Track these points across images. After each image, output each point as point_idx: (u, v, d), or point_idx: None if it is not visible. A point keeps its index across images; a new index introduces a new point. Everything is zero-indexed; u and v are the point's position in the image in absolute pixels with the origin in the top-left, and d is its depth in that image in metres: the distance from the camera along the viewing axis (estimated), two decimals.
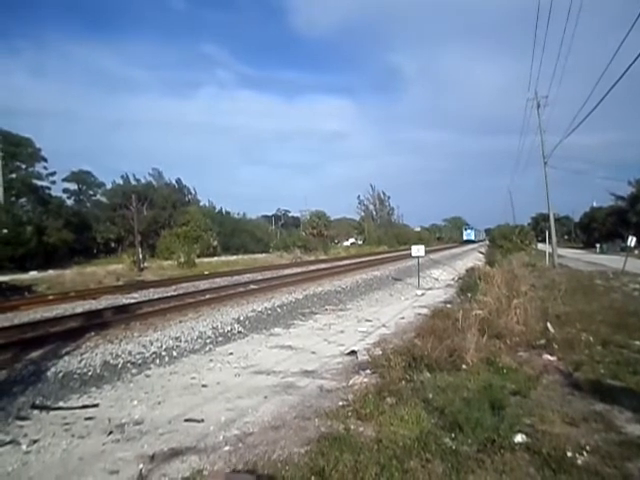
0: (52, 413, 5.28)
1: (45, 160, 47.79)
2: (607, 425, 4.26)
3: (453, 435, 3.98)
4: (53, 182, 49.61)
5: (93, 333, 8.68)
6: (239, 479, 3.49)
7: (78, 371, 6.55)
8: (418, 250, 18.24)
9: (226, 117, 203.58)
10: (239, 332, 9.53)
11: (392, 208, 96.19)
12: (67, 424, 4.92)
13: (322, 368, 6.85)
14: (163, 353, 7.72)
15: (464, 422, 4.08)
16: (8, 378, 6.16)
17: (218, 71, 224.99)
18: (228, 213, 64.60)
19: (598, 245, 52.91)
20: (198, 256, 34.48)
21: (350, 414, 4.64)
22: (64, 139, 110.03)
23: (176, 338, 8.48)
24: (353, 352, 7.60)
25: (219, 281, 19.48)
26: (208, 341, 8.69)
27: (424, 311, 11.49)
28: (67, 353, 7.37)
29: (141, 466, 3.86)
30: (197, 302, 12.48)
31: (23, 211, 40.55)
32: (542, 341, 7.32)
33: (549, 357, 6.60)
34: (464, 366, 5.96)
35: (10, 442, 4.45)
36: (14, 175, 43.48)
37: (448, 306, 11.39)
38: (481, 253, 42.71)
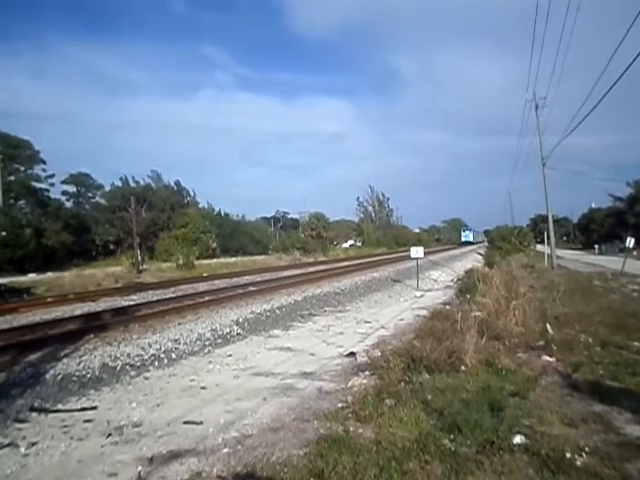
0: (51, 416, 5.27)
1: (44, 162, 47.80)
2: (606, 426, 4.26)
3: (452, 436, 3.98)
4: (52, 184, 49.61)
5: (92, 335, 8.67)
6: None
7: (77, 373, 6.53)
8: (417, 251, 18.27)
9: (225, 119, 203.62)
10: (238, 334, 9.52)
11: (391, 209, 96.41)
12: (66, 426, 4.91)
13: (321, 370, 6.85)
14: (162, 355, 7.71)
15: (463, 423, 4.08)
16: (7, 381, 6.15)
17: (217, 73, 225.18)
18: (227, 215, 64.58)
19: (597, 246, 53.03)
20: (197, 258, 34.46)
21: (349, 416, 4.63)
22: (63, 141, 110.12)
23: (175, 340, 8.47)
24: (352, 354, 7.60)
25: (218, 283, 19.48)
26: (207, 343, 8.68)
27: (423, 312, 11.50)
28: (66, 355, 7.36)
29: (140, 468, 3.86)
30: (196, 304, 12.47)
31: (22, 213, 40.50)
32: (541, 342, 7.33)
33: (548, 358, 6.60)
34: (463, 367, 5.96)
35: (9, 445, 4.43)
36: (13, 177, 43.48)
37: (447, 307, 11.42)
38: (480, 254, 42.75)
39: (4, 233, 29.94)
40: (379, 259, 35.08)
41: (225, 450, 4.12)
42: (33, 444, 4.43)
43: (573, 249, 63.57)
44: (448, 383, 5.37)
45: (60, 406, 5.60)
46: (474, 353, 6.18)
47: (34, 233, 33.83)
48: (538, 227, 65.91)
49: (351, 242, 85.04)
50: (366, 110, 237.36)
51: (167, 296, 14.76)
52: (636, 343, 7.22)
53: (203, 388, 6.18)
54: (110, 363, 7.05)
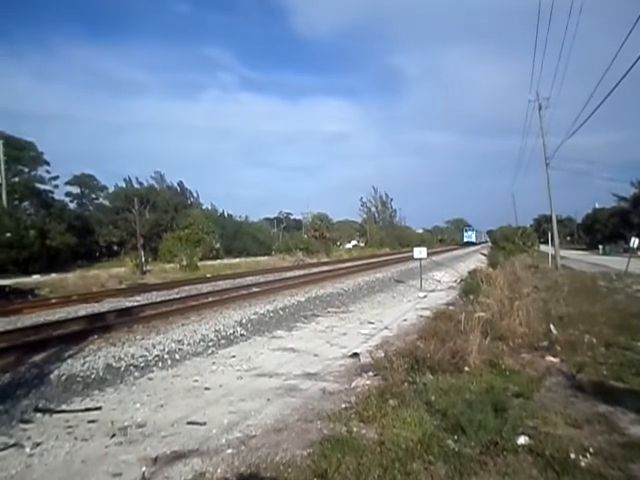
0: (55, 416, 5.29)
1: (48, 164, 48.13)
2: (610, 427, 4.24)
3: (456, 437, 3.98)
4: (56, 186, 50.03)
5: (96, 336, 8.71)
6: None
7: (81, 374, 6.56)
8: (420, 252, 18.24)
9: (228, 119, 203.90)
10: (241, 335, 9.54)
11: (394, 210, 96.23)
12: (70, 427, 4.93)
13: (324, 370, 6.85)
14: (166, 356, 7.73)
15: (467, 424, 4.07)
16: (12, 381, 6.19)
17: (220, 74, 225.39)
18: (230, 216, 64.66)
19: (601, 246, 52.80)
20: (200, 259, 34.48)
21: (353, 416, 4.63)
22: (67, 143, 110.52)
23: (179, 341, 8.49)
24: (355, 354, 7.59)
25: (221, 284, 19.51)
26: (211, 344, 8.70)
27: (426, 313, 11.47)
28: (70, 356, 7.39)
29: (144, 469, 3.87)
30: (199, 305, 12.50)
31: (26, 215, 40.73)
32: (545, 343, 7.31)
33: (552, 359, 6.58)
34: (467, 368, 5.95)
35: (14, 445, 4.46)
36: (17, 179, 43.75)
37: (450, 308, 11.40)
38: (483, 255, 42.66)
39: (9, 234, 30.08)
40: (382, 260, 35.06)
41: (229, 451, 4.12)
42: (38, 444, 4.46)
43: (577, 249, 63.33)
44: (452, 384, 5.36)
45: (64, 407, 5.62)
46: (478, 354, 6.17)
47: (38, 234, 33.94)
48: (542, 227, 65.72)
49: (354, 243, 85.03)
50: (369, 110, 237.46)
51: (171, 297, 14.80)
52: None
53: (207, 389, 6.19)
54: (114, 364, 7.08)
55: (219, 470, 3.74)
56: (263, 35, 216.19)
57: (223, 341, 8.99)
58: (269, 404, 5.44)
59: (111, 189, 57.08)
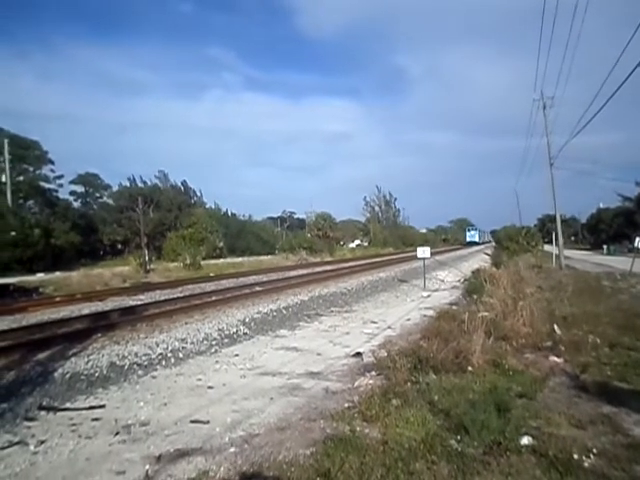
0: (59, 414, 5.32)
1: (52, 163, 48.23)
2: (614, 428, 4.23)
3: (459, 437, 3.97)
4: (60, 185, 50.15)
5: (100, 334, 8.74)
6: None
7: (85, 372, 6.59)
8: (424, 252, 18.20)
9: (231, 119, 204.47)
10: (245, 334, 9.55)
11: (398, 209, 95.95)
12: (74, 425, 4.95)
13: (328, 370, 6.85)
14: (169, 354, 7.75)
15: (470, 424, 4.06)
16: (16, 379, 6.22)
17: (224, 73, 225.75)
18: (234, 215, 64.73)
19: (605, 246, 52.54)
20: (204, 258, 34.55)
21: (356, 416, 4.64)
22: (71, 142, 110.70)
23: (182, 339, 8.51)
24: (358, 354, 7.60)
25: (225, 283, 19.54)
26: (214, 343, 8.72)
27: (430, 313, 11.46)
28: (74, 354, 7.42)
29: (147, 467, 3.88)
30: (203, 304, 12.52)
31: (31, 213, 40.87)
32: (548, 343, 7.29)
33: (555, 359, 6.56)
34: (470, 368, 5.94)
35: (18, 443, 4.48)
36: (22, 178, 43.84)
37: (454, 308, 11.38)
38: (487, 255, 42.54)
39: (13, 233, 30.20)
40: (386, 259, 35.02)
41: (232, 449, 4.13)
42: (42, 442, 4.48)
43: (581, 249, 63.06)
44: (455, 383, 5.36)
45: (68, 404, 5.65)
46: (481, 353, 6.16)
47: (43, 233, 34.10)
48: (546, 227, 65.50)
49: (358, 242, 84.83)
50: (372, 110, 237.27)
51: (174, 296, 14.83)
52: None
53: (210, 387, 6.20)
54: (118, 362, 7.10)
55: (222, 468, 3.75)
56: (266, 35, 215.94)
57: (226, 340, 9.01)
58: (272, 403, 5.45)
59: (115, 188, 57.24)
